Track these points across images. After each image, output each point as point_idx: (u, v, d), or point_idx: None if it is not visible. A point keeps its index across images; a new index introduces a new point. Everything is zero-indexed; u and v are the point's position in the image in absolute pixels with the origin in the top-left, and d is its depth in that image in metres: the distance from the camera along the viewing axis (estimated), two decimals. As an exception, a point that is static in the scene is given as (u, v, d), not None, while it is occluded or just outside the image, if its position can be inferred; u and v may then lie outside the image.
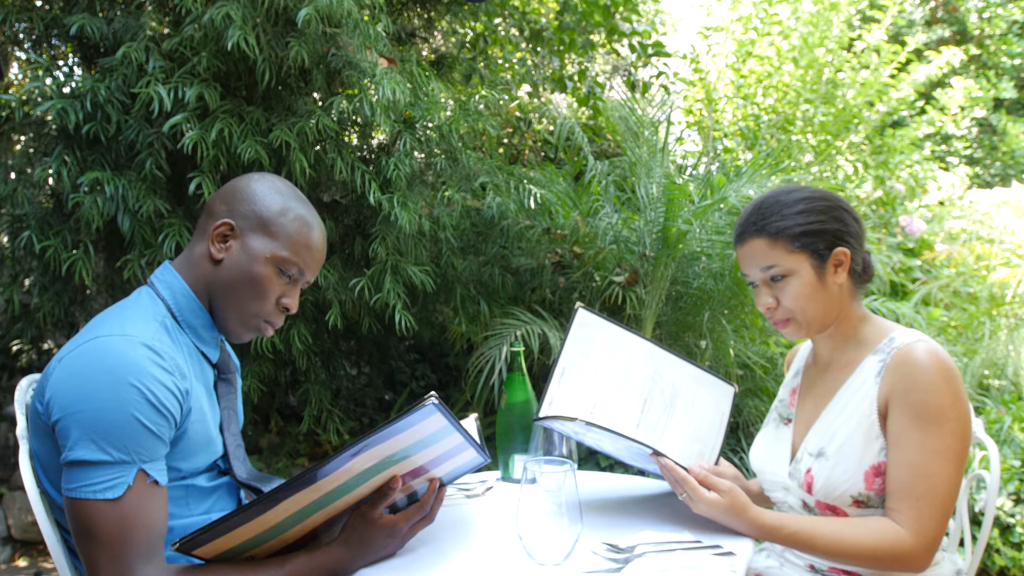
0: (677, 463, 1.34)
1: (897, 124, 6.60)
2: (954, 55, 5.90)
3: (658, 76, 4.80)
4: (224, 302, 1.25)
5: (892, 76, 5.60)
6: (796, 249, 1.36)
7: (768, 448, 1.50)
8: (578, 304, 1.48)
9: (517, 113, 4.35)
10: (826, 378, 1.45)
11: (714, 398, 1.52)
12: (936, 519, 1.23)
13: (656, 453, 1.35)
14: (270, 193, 1.26)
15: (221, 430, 1.28)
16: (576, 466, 1.19)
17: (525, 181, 3.28)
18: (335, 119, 2.63)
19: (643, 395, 1.46)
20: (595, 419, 1.37)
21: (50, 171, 2.40)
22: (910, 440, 1.26)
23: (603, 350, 1.47)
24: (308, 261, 1.27)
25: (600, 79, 5.19)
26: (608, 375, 1.45)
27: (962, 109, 7.28)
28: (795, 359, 1.61)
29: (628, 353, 1.49)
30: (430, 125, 2.95)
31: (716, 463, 1.48)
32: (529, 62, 4.47)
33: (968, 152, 8.54)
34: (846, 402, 1.36)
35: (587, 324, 1.47)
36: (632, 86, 4.91)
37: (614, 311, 3.31)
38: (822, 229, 1.37)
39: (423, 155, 3.03)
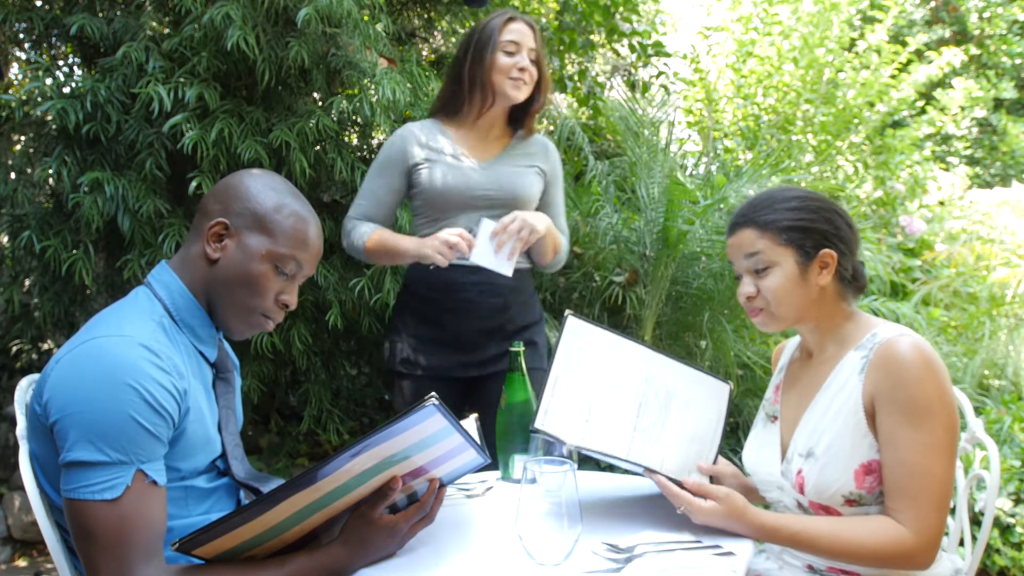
0: (670, 478, 1.34)
1: (897, 124, 6.60)
2: (955, 55, 5.89)
3: (658, 76, 4.80)
4: (223, 301, 1.25)
5: (893, 76, 5.59)
6: (783, 242, 1.38)
7: (759, 448, 1.50)
8: (567, 312, 1.47)
9: (517, 113, 4.34)
10: (809, 373, 1.45)
11: (710, 398, 1.52)
12: (935, 515, 1.24)
13: (649, 471, 1.36)
14: (264, 190, 1.26)
15: (219, 430, 1.28)
16: (576, 466, 1.19)
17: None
18: (335, 119, 2.63)
19: (638, 398, 1.46)
20: (591, 427, 1.39)
21: (50, 171, 2.40)
22: (901, 438, 1.26)
23: (595, 356, 1.46)
24: (305, 257, 1.27)
25: (600, 79, 5.19)
26: (602, 380, 1.45)
27: (962, 109, 7.28)
28: (782, 355, 1.61)
29: (621, 357, 1.48)
30: (430, 125, 2.94)
31: (715, 462, 1.49)
32: (529, 62, 4.46)
33: (968, 152, 8.54)
34: (831, 400, 1.36)
35: (578, 331, 1.46)
36: (632, 86, 4.91)
37: (614, 311, 3.31)
38: (812, 227, 1.38)
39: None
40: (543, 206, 2.15)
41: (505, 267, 1.96)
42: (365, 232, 2.04)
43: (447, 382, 2.04)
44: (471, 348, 2.05)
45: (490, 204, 2.02)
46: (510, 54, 2.02)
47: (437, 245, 1.92)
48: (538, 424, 1.36)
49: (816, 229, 1.38)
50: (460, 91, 2.06)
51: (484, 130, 2.10)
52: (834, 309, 1.42)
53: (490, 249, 1.95)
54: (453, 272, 1.99)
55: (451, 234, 1.92)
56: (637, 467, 1.37)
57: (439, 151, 2.05)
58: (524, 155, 2.13)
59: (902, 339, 1.30)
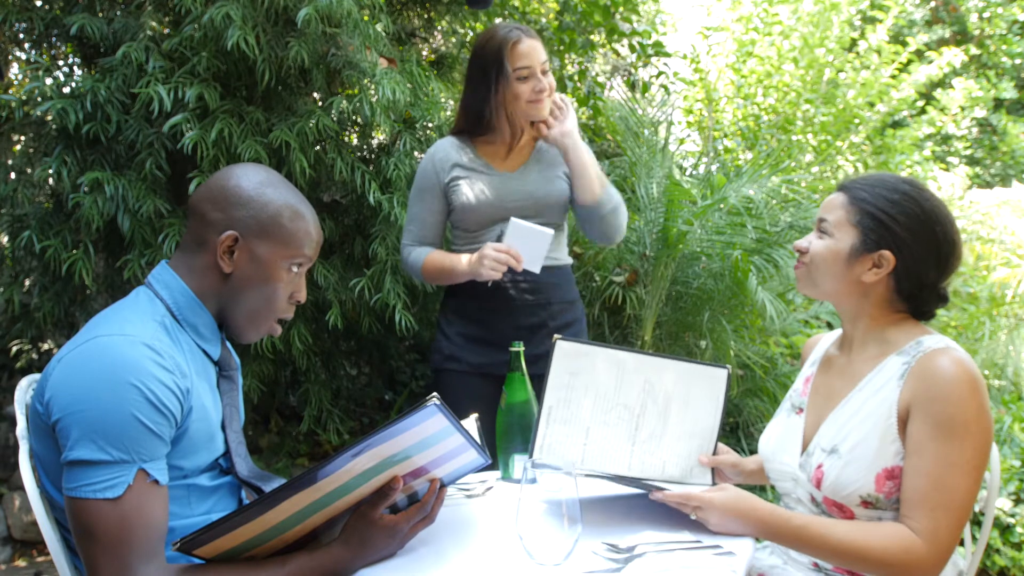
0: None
1: (898, 124, 6.60)
2: (955, 55, 5.90)
3: (658, 76, 4.80)
4: (239, 310, 1.26)
5: (893, 76, 5.60)
6: (854, 223, 1.36)
7: (779, 437, 1.49)
8: (556, 336, 1.49)
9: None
10: (844, 369, 1.43)
11: (708, 389, 1.53)
12: (951, 531, 1.22)
13: (654, 490, 1.36)
14: (261, 190, 1.25)
15: (223, 427, 1.29)
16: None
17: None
18: (335, 119, 2.63)
19: (635, 412, 1.48)
20: (589, 450, 1.43)
21: (50, 171, 2.40)
22: (930, 450, 1.24)
23: (589, 376, 1.48)
24: (310, 252, 1.30)
25: (600, 79, 5.18)
26: (597, 401, 1.47)
27: (962, 109, 7.28)
28: (814, 348, 1.59)
29: (616, 371, 1.49)
30: (430, 125, 2.95)
31: (715, 452, 1.51)
32: (529, 62, 4.46)
33: (968, 152, 8.55)
34: (864, 400, 1.35)
35: (568, 354, 1.48)
36: (632, 86, 4.91)
37: (614, 311, 3.31)
38: (887, 225, 1.34)
39: (423, 155, 3.03)
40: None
41: (539, 264, 1.99)
42: (420, 255, 2.11)
43: (489, 378, 2.06)
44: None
45: (521, 214, 2.04)
46: (525, 79, 2.03)
47: (489, 263, 1.95)
48: (535, 459, 1.41)
49: (891, 229, 1.34)
50: (488, 119, 2.08)
51: (512, 141, 2.14)
52: (877, 312, 1.39)
53: (527, 249, 1.96)
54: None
55: (493, 250, 1.94)
56: (640, 487, 1.39)
57: (468, 167, 2.10)
58: (551, 162, 2.15)
59: (948, 353, 1.28)
